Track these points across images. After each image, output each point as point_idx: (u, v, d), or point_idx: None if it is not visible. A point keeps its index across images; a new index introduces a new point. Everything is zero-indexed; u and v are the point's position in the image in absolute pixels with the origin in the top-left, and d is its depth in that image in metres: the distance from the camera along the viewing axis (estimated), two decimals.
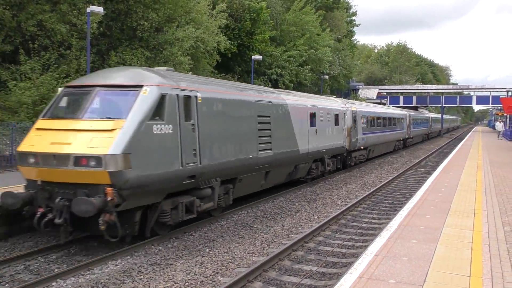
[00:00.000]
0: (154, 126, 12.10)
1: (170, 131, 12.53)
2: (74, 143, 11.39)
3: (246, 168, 16.31)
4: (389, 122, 41.11)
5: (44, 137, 11.84)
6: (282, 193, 19.90)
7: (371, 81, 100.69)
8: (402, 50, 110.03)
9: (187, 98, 13.25)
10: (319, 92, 51.07)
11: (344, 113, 27.54)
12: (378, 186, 21.91)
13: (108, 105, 12.08)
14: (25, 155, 11.89)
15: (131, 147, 11.45)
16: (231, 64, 41.80)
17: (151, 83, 12.47)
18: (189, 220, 14.47)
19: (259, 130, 17.02)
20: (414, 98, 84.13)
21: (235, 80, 37.73)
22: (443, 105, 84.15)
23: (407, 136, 49.75)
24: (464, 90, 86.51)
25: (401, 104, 79.96)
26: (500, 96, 71.56)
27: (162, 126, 12.30)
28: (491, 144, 42.81)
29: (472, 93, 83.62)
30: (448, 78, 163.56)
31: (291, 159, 19.96)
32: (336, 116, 25.82)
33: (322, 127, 23.55)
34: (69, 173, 11.35)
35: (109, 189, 11.23)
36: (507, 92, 77.00)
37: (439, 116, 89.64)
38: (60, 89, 13.28)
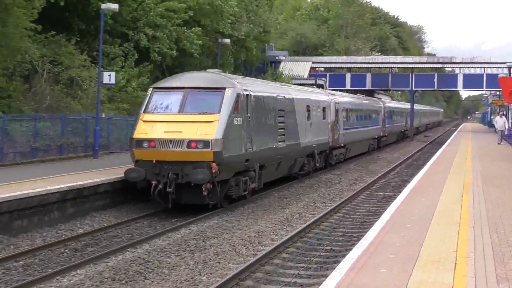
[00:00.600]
0: (235, 118, 17.95)
1: (240, 123, 18.32)
2: (184, 131, 17.18)
3: (271, 157, 21.21)
4: (365, 115, 38.17)
5: (156, 127, 17.51)
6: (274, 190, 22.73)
7: (300, 50, 70.10)
8: (349, 0, 78.91)
9: (246, 96, 18.91)
10: (215, 66, 34.61)
11: (329, 106, 29.12)
12: (307, 223, 16.14)
13: (201, 103, 17.89)
14: (141, 141, 17.51)
15: (225, 134, 17.30)
16: (67, 18, 29.83)
17: (230, 86, 18.29)
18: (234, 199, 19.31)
19: (278, 123, 21.87)
20: (369, 77, 57.53)
21: (74, 45, 27.94)
22: (414, 89, 58.38)
23: (381, 134, 44.90)
24: (446, 65, 63.39)
25: (348, 86, 55.86)
26: (499, 75, 49.59)
27: (237, 118, 18.13)
28: (486, 151, 33.46)
29: (457, 70, 58.76)
30: (422, 46, 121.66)
31: (295, 152, 24.02)
32: (324, 109, 28.04)
33: (315, 121, 26.36)
34: (182, 153, 17.11)
35: (214, 164, 17.01)
36: (509, 68, 54.18)
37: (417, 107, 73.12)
38: (150, 90, 18.76)
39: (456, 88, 60.50)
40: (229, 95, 18.04)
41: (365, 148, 39.24)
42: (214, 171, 17.09)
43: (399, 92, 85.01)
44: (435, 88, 60.28)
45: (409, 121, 61.68)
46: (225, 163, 17.49)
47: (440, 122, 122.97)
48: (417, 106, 73.24)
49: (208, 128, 17.45)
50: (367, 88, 56.25)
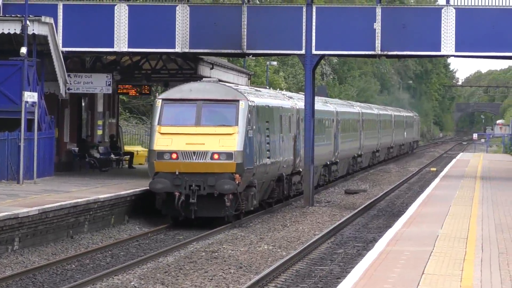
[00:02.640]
0: (249, 131, 20.08)
1: (251, 135, 20.35)
2: (207, 143, 19.30)
3: (262, 174, 22.11)
4: (320, 128, 30.73)
5: (177, 139, 19.40)
6: None
7: None
8: None
9: (253, 108, 20.57)
10: None
11: (292, 115, 26.12)
12: None
13: (217, 115, 19.93)
14: (162, 153, 19.50)
15: (244, 146, 19.66)
16: None
17: (242, 98, 20.15)
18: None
19: (266, 136, 22.67)
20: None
21: None
22: (315, 52, 25.16)
23: (333, 159, 33.96)
24: None
25: None
26: None
27: (250, 130, 20.17)
28: None
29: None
30: None
31: (274, 171, 23.74)
32: (289, 119, 25.77)
33: (284, 136, 24.80)
34: (206, 165, 19.35)
35: (237, 175, 19.30)
36: None
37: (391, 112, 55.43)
38: (159, 101, 20.10)
39: (439, 51, 26.20)
40: (243, 108, 19.90)
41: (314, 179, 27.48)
42: (237, 182, 19.13)
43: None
44: (377, 50, 25.42)
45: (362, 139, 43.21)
46: (244, 175, 19.64)
47: (410, 146, 76.27)
48: (353, 108, 44.15)
49: (229, 140, 19.58)
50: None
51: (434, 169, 46.96)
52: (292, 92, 38.30)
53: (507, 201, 21.26)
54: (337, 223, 21.48)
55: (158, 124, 19.89)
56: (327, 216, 23.99)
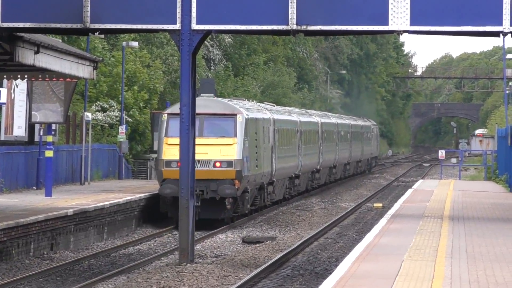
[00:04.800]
0: (246, 141, 38.23)
1: (247, 145, 38.74)
2: (209, 152, 36.96)
3: (253, 181, 41.32)
4: (286, 137, 50.58)
5: None
6: None
7: None
8: None
9: (248, 120, 39.25)
10: None
11: (270, 126, 45.68)
12: None
13: (217, 127, 38.40)
14: (169, 162, 36.94)
15: (242, 155, 37.85)
16: None
17: (240, 112, 38.70)
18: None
19: (255, 146, 41.15)
20: None
21: None
22: None
23: (297, 172, 51.36)
24: None
25: None
26: None
27: (246, 141, 38.39)
28: None
29: None
30: None
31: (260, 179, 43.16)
32: (268, 130, 45.28)
33: (267, 146, 44.63)
34: (209, 172, 37.00)
35: (237, 181, 37.22)
36: None
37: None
38: (165, 115, 38.45)
39: (385, 25, 27.00)
40: (240, 121, 37.52)
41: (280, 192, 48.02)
42: (237, 187, 36.30)
43: None
44: (291, 24, 26.11)
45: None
46: (243, 181, 36.63)
47: (368, 164, 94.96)
48: (312, 118, 63.80)
49: (229, 150, 37.11)
50: None
51: (380, 205, 48.72)
52: None
53: (490, 254, 21.26)
54: None
55: (165, 136, 37.33)
56: (215, 278, 24.68)
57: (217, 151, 36.65)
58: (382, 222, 30.11)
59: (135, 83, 60.54)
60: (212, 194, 36.00)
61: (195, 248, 27.77)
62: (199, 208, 34.38)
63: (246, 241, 34.02)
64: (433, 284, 16.02)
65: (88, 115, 48.65)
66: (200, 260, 27.59)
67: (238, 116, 37.35)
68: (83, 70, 36.32)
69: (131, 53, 61.66)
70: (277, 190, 47.83)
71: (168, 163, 36.25)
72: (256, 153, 40.51)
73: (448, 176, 74.53)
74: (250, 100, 51.13)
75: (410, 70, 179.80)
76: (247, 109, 40.68)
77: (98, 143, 55.45)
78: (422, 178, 73.27)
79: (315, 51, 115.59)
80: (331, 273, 19.04)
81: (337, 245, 34.22)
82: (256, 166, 40.32)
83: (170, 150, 35.57)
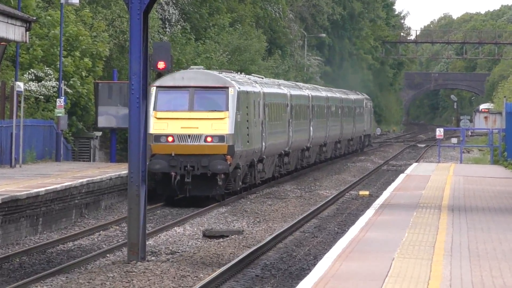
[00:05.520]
0: (238, 115, 45.10)
1: (240, 119, 45.50)
2: (200, 127, 43.55)
3: (248, 157, 49.07)
4: (277, 112, 56.77)
5: (172, 124, 43.10)
6: None
7: None
8: None
9: (240, 93, 45.76)
10: None
11: (260, 100, 51.82)
12: None
13: (208, 101, 44.84)
14: (159, 136, 43.13)
15: (235, 129, 44.52)
16: None
17: (231, 85, 45.27)
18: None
19: (246, 121, 47.33)
20: None
21: None
22: None
23: (286, 149, 57.52)
24: None
25: None
26: None
27: (239, 115, 45.33)
28: None
29: None
30: None
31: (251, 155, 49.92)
32: (259, 104, 51.66)
33: (257, 121, 50.65)
34: (200, 147, 43.57)
35: (229, 156, 43.57)
36: None
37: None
38: (153, 88, 43.11)
39: None
40: (233, 94, 41.89)
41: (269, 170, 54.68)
42: (229, 162, 40.20)
43: None
44: None
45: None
46: (235, 156, 40.83)
47: (361, 142, 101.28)
48: (303, 91, 70.97)
49: (220, 124, 41.86)
50: None
51: (366, 192, 49.10)
52: None
53: (496, 251, 21.60)
54: None
55: (154, 110, 41.26)
56: (170, 279, 24.97)
57: (208, 125, 42.05)
58: (369, 213, 30.53)
59: (76, 48, 60.01)
60: (203, 170, 41.41)
61: (147, 243, 27.95)
62: (190, 184, 41.26)
63: (208, 235, 34.11)
64: (430, 287, 16.14)
65: (20, 85, 48.33)
66: (153, 258, 27.91)
67: (230, 89, 42.70)
68: (13, 32, 36.30)
69: (71, 12, 61.12)
70: (266, 168, 54.62)
71: (158, 137, 41.48)
72: (248, 128, 46.42)
73: (448, 159, 75.46)
74: (238, 73, 55.88)
75: (402, 34, 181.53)
76: (238, 82, 46.36)
77: (32, 118, 55.11)
78: (416, 162, 74.54)
79: (289, 10, 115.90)
80: (308, 273, 19.98)
81: (315, 240, 34.63)
82: (248, 141, 46.22)
83: (160, 124, 41.36)
